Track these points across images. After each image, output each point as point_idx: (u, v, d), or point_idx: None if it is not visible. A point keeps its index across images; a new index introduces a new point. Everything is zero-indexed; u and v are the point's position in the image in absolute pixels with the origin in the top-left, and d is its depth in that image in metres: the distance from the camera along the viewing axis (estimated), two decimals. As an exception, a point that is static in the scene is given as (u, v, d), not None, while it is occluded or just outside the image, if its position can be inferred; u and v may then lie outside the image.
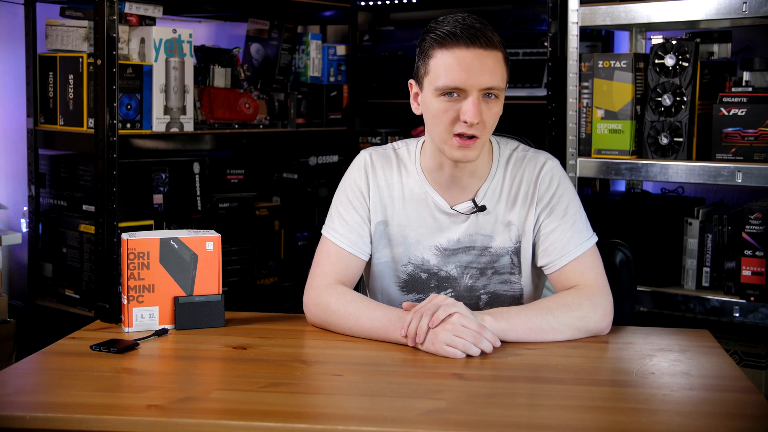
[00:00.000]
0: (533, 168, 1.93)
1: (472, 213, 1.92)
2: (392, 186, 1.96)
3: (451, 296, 1.94)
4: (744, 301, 2.52)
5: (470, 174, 1.91)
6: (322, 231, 1.97)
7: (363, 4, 3.72)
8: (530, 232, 1.92)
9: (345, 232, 1.94)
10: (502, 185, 1.93)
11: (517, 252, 1.93)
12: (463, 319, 1.69)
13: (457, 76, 1.76)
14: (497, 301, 1.95)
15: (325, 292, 1.88)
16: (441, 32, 1.79)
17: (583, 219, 1.94)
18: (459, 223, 1.93)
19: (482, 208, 1.91)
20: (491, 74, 1.77)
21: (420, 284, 1.96)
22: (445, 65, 1.78)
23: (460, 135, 1.80)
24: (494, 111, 1.81)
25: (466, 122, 1.77)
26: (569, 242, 1.88)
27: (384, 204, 1.96)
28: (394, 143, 2.01)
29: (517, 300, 1.96)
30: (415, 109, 1.90)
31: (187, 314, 1.87)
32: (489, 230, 1.93)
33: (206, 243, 1.89)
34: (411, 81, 1.90)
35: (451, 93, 1.79)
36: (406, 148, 1.99)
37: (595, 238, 1.92)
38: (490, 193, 1.92)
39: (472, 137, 1.79)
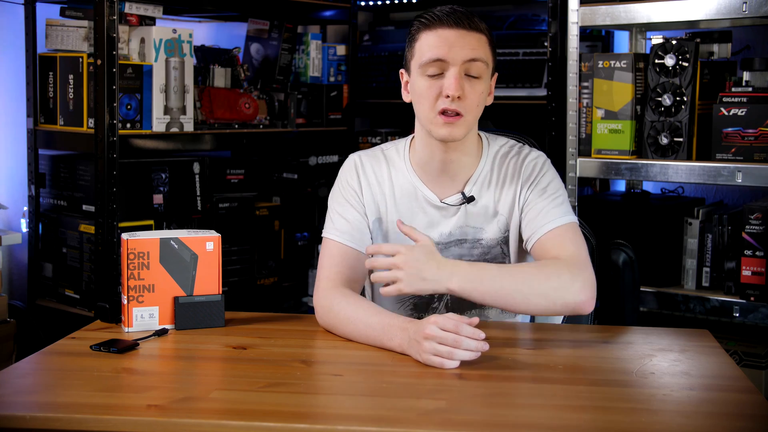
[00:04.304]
0: (519, 157, 1.96)
1: (461, 204, 1.93)
2: (383, 183, 1.98)
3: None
4: (744, 301, 2.52)
5: (459, 160, 1.92)
6: (323, 234, 1.97)
7: (363, 4, 3.72)
8: (517, 218, 1.93)
9: (347, 229, 1.94)
10: (491, 177, 1.95)
11: (506, 241, 1.95)
12: (440, 323, 1.64)
13: (440, 50, 1.83)
14: None
15: (329, 294, 1.88)
16: (427, 17, 1.87)
17: (564, 199, 1.93)
18: (449, 216, 1.94)
19: (471, 199, 1.93)
20: (473, 49, 1.83)
21: None
22: (429, 43, 1.85)
23: (444, 112, 1.83)
24: (478, 90, 1.84)
25: (448, 97, 1.81)
26: (547, 214, 1.88)
27: (377, 201, 1.97)
28: (382, 145, 2.05)
29: None
30: (405, 97, 1.95)
31: (187, 314, 1.87)
32: (479, 222, 1.94)
33: (206, 243, 1.89)
34: (401, 71, 1.96)
35: (435, 71, 1.84)
36: (395, 147, 2.02)
37: (575, 219, 1.91)
38: (479, 185, 1.94)
39: (456, 114, 1.83)
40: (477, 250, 1.95)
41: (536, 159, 1.95)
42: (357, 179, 1.98)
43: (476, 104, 1.85)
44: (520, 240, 1.95)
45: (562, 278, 1.77)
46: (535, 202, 1.91)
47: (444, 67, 1.83)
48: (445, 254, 1.94)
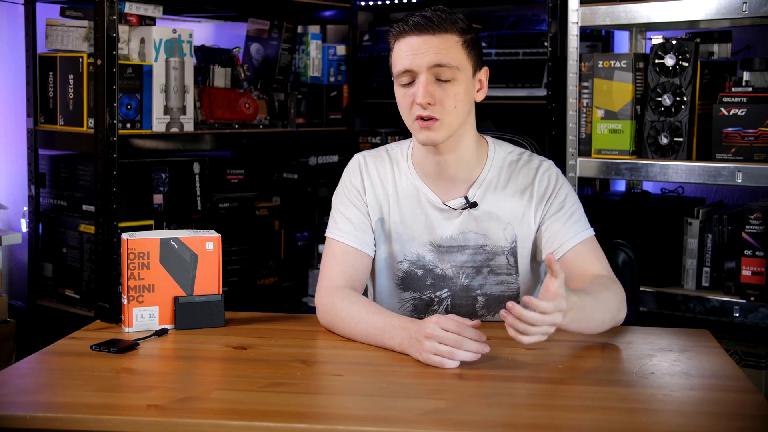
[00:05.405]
0: (529, 169, 1.95)
1: (463, 209, 1.93)
2: (386, 183, 1.97)
3: (447, 295, 1.95)
4: (744, 301, 2.52)
5: (456, 162, 1.91)
6: (326, 234, 1.97)
7: (363, 4, 3.72)
8: (530, 232, 1.93)
9: (350, 230, 1.94)
10: (497, 184, 1.94)
11: (513, 252, 1.94)
12: (442, 323, 1.64)
13: (406, 59, 1.83)
14: (494, 303, 1.95)
15: (332, 294, 1.88)
16: (395, 26, 1.86)
17: (582, 212, 1.94)
18: (452, 219, 1.93)
19: (473, 205, 1.92)
20: (438, 54, 1.81)
21: (416, 281, 1.97)
22: (398, 53, 1.85)
23: (419, 118, 1.84)
24: (451, 93, 1.83)
25: (420, 104, 1.82)
26: (570, 229, 1.89)
27: (379, 202, 1.97)
28: (387, 145, 2.05)
29: (514, 300, 1.96)
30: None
31: (187, 314, 1.87)
32: (483, 228, 1.93)
33: (206, 243, 1.89)
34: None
35: (408, 80, 1.84)
36: (399, 148, 2.02)
37: (593, 232, 1.93)
38: (483, 191, 1.93)
39: (432, 118, 1.83)
40: (480, 256, 1.94)
41: (549, 170, 1.95)
42: (360, 179, 1.98)
43: (453, 106, 1.83)
44: (533, 254, 1.95)
45: (615, 299, 1.81)
46: (556, 217, 1.91)
47: (413, 75, 1.83)
48: (447, 259, 1.94)
